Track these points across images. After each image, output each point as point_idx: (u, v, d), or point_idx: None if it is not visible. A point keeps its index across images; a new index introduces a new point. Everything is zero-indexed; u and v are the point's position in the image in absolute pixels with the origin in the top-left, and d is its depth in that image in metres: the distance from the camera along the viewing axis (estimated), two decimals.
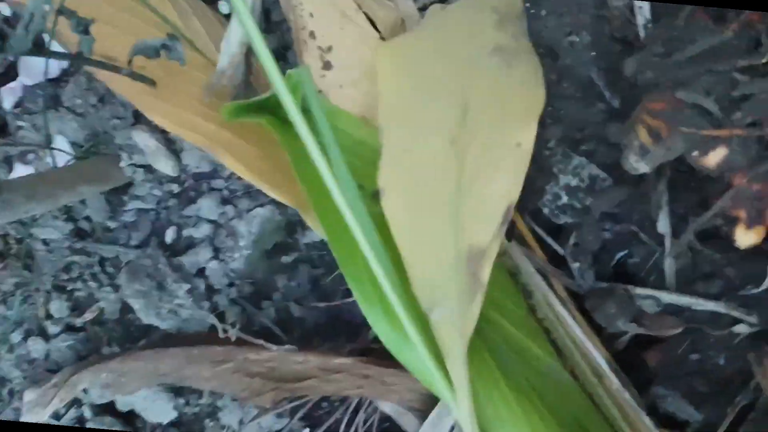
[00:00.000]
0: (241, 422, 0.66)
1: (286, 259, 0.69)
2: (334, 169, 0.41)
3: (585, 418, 0.52)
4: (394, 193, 0.48)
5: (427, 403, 0.63)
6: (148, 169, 0.67)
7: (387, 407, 0.65)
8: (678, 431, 0.53)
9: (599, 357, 0.54)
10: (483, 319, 0.49)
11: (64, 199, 0.60)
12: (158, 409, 0.67)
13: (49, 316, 0.73)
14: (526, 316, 0.53)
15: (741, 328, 0.52)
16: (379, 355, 0.63)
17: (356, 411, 0.67)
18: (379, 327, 0.49)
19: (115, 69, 0.49)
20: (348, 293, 0.67)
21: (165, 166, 0.66)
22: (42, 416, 0.63)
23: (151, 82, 0.52)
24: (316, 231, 0.58)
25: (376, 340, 0.63)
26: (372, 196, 0.51)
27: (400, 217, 0.48)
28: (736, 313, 0.52)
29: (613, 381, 0.53)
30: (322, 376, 0.64)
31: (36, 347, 0.71)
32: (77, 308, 0.73)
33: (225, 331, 0.63)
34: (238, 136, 0.53)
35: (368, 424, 0.67)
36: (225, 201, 0.67)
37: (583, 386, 0.54)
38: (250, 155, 0.54)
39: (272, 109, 0.50)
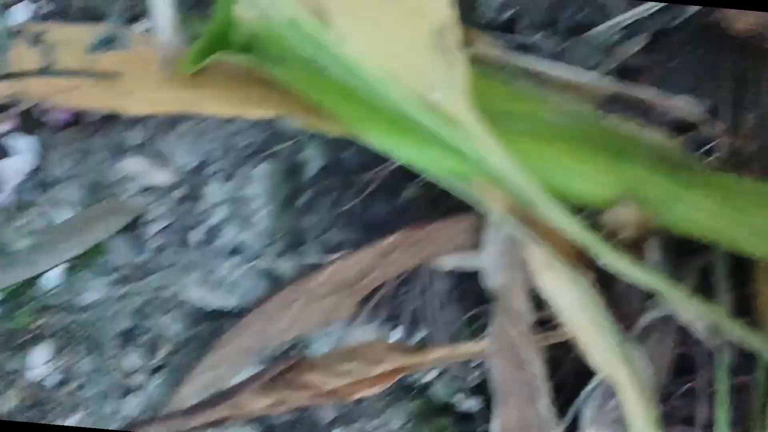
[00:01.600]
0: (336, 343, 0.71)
1: (303, 200, 0.75)
2: None
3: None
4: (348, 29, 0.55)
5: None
6: (150, 190, 0.73)
7: (450, 261, 0.71)
8: None
9: None
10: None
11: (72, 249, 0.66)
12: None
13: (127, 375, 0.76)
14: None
15: None
16: (417, 215, 0.70)
17: (431, 283, 0.72)
18: (403, 150, 0.56)
19: (76, 74, 0.55)
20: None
21: (163, 176, 0.72)
22: None
23: (113, 75, 0.57)
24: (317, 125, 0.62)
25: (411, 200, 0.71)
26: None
27: (361, 47, 0.55)
28: None
29: None
30: (381, 263, 0.69)
31: (132, 402, 0.75)
32: (153, 353, 0.77)
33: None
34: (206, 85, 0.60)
35: (444, 289, 0.72)
36: (227, 178, 0.73)
37: None
38: (224, 93, 0.60)
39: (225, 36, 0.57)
